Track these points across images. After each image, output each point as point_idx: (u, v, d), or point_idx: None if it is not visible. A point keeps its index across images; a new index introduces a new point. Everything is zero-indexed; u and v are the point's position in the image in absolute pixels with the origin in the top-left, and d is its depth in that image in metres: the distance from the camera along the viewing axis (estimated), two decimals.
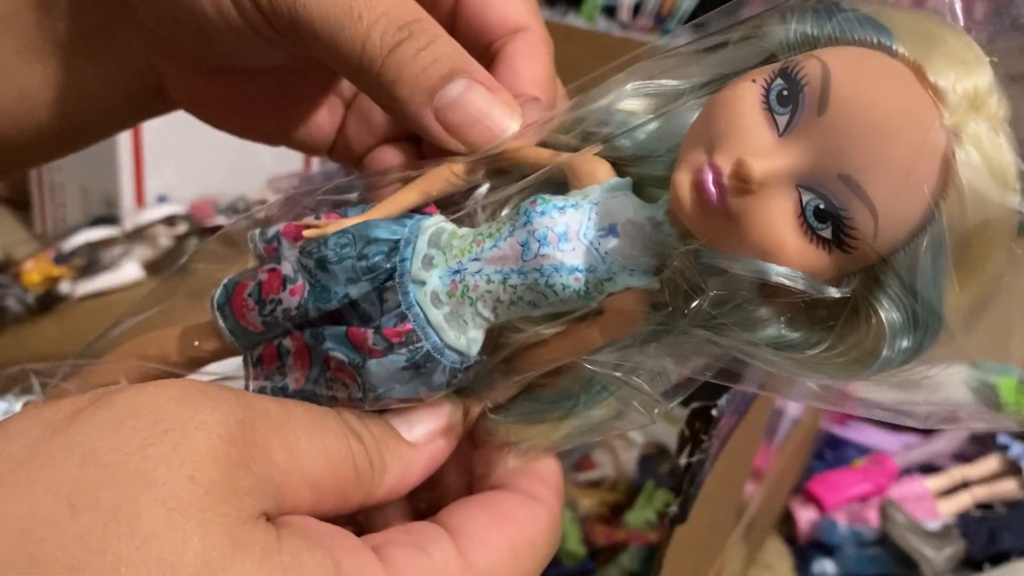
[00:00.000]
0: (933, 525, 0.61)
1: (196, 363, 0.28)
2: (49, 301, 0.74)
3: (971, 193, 0.20)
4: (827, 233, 0.20)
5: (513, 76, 0.27)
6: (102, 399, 0.20)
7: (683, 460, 0.28)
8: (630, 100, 0.25)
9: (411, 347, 0.24)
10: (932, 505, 0.65)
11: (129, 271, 0.80)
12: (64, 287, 0.76)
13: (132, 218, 0.84)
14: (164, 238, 0.83)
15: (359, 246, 0.24)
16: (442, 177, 0.26)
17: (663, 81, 0.25)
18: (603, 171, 0.24)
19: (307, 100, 0.32)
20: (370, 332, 0.24)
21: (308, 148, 0.33)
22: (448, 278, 0.24)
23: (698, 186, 0.21)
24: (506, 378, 0.25)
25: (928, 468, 0.70)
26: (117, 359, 0.29)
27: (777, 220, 0.20)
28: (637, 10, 1.56)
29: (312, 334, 0.25)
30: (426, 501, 0.27)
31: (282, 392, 0.26)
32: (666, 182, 0.23)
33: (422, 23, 0.25)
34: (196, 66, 0.31)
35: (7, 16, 0.30)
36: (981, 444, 0.71)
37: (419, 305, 0.24)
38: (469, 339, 0.24)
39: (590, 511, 0.61)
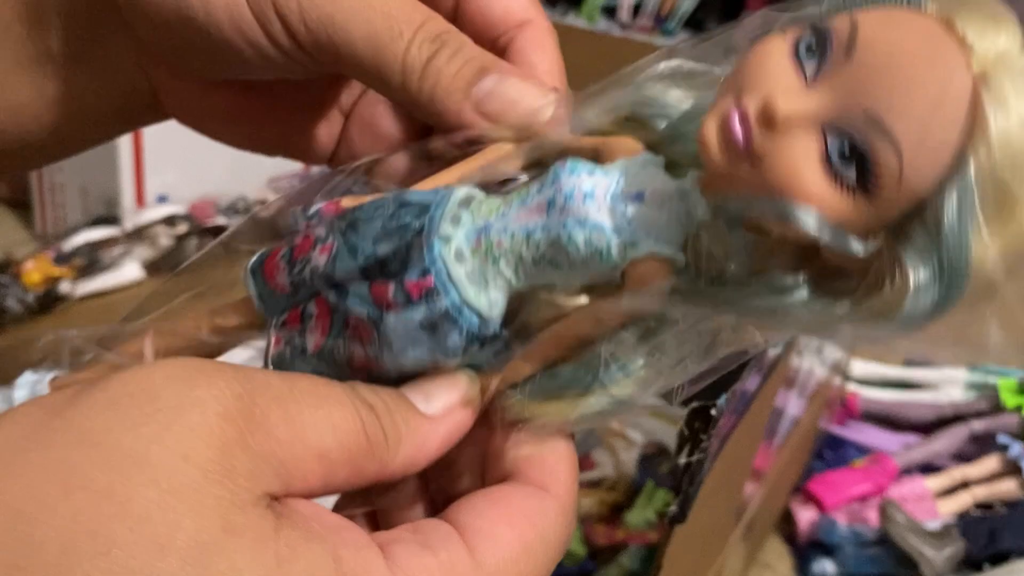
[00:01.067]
0: (933, 525, 0.61)
1: (223, 334, 0.28)
2: (49, 301, 0.75)
3: (1000, 143, 0.20)
4: (851, 174, 0.20)
5: (530, 69, 0.29)
6: (100, 380, 0.20)
7: (682, 459, 0.28)
8: (664, 82, 0.26)
9: (430, 302, 0.24)
10: (932, 505, 0.65)
11: (129, 271, 0.80)
12: (64, 287, 0.76)
13: (132, 218, 0.84)
14: (164, 238, 0.83)
15: (392, 207, 0.25)
16: (481, 163, 0.26)
17: (697, 66, 0.25)
18: (635, 148, 0.25)
19: (304, 111, 0.32)
20: (391, 285, 0.24)
21: (308, 158, 0.33)
22: (473, 235, 0.24)
23: (724, 126, 0.21)
24: (525, 355, 0.25)
25: (928, 468, 0.70)
26: (149, 332, 0.29)
27: (802, 162, 0.21)
28: (637, 10, 1.56)
29: (337, 293, 0.25)
30: (439, 486, 0.27)
31: (301, 354, 0.26)
32: (696, 161, 0.23)
33: (451, 33, 0.27)
34: (194, 79, 0.31)
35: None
36: (981, 444, 0.71)
37: (442, 259, 0.24)
38: (490, 300, 0.24)
39: (590, 511, 0.61)
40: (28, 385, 0.28)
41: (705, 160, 0.22)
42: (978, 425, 0.72)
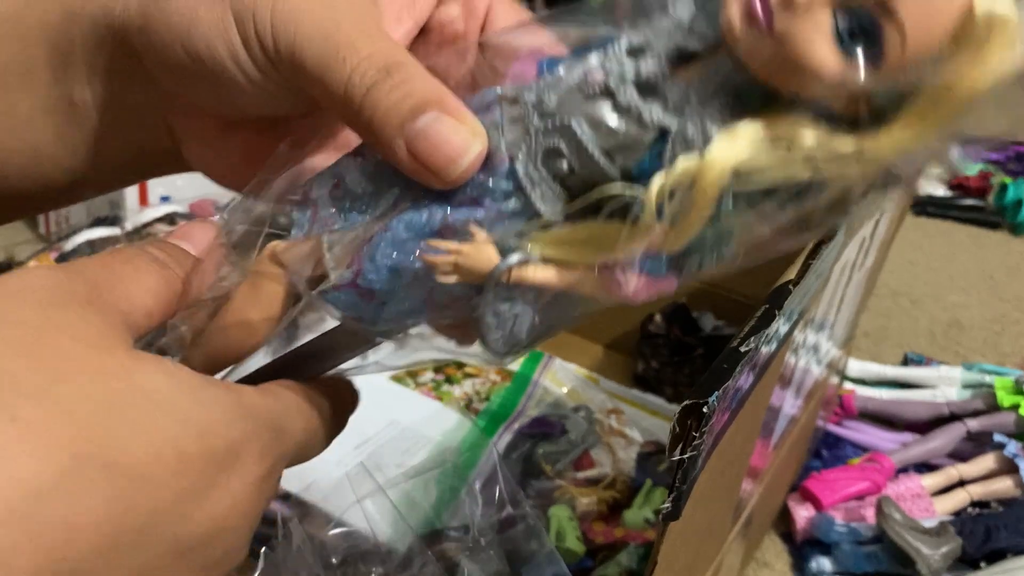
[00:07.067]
0: (930, 523, 0.62)
1: None
2: None
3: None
4: (859, 50, 0.23)
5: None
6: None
7: (675, 457, 0.29)
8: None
9: None
10: (929, 503, 0.65)
11: None
12: None
13: (134, 218, 0.85)
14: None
15: None
16: None
17: None
18: None
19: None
20: None
21: None
22: None
23: (748, 8, 0.24)
24: None
25: (925, 466, 0.71)
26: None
27: (816, 39, 0.24)
28: None
29: None
30: None
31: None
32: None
33: (402, 65, 0.27)
34: (210, 120, 0.32)
35: (26, 73, 0.31)
36: (977, 442, 0.72)
37: None
38: None
39: (588, 509, 0.62)
40: None
41: (729, 41, 0.25)
42: (974, 424, 0.72)
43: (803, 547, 0.64)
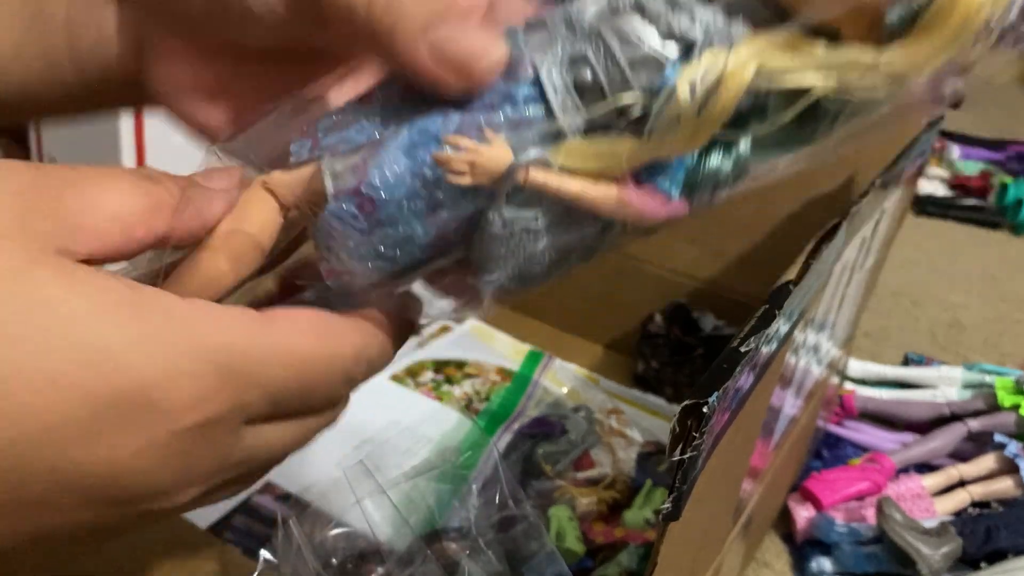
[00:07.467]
0: (930, 523, 0.62)
1: None
2: None
3: None
4: None
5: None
6: None
7: (675, 457, 0.29)
8: None
9: None
10: (929, 503, 0.65)
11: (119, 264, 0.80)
12: None
13: None
14: None
15: None
16: None
17: None
18: None
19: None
20: None
21: None
22: None
23: None
24: None
25: (925, 467, 0.71)
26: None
27: None
28: None
29: None
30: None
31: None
32: None
33: None
34: (189, 42, 0.31)
35: None
36: (978, 443, 0.72)
37: None
38: None
39: (588, 509, 0.62)
40: None
41: None
42: (975, 424, 0.72)
43: (803, 547, 0.64)
